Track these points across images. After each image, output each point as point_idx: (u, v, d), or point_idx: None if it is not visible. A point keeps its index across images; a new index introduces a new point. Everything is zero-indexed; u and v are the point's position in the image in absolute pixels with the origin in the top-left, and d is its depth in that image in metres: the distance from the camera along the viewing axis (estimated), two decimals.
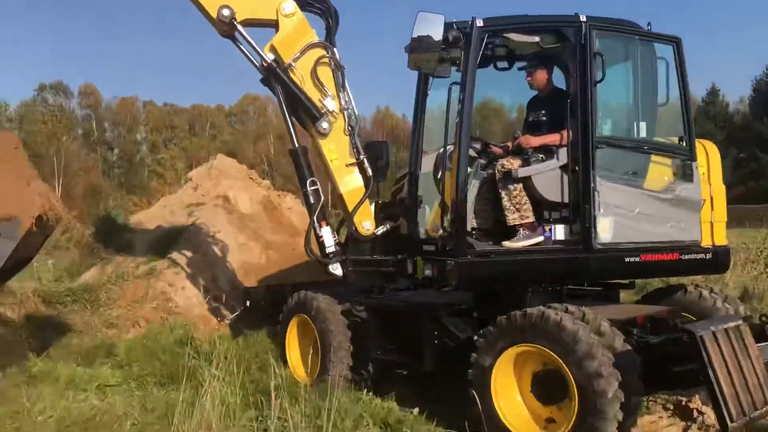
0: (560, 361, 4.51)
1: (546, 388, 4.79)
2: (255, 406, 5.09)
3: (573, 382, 4.44)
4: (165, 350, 7.09)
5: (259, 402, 5.03)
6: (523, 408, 4.89)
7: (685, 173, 5.39)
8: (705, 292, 5.80)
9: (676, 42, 5.47)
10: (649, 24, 5.49)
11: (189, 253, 10.16)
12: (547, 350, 4.58)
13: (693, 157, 5.45)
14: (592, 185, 5.09)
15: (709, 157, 5.70)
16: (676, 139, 5.57)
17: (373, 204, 6.22)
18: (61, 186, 40.34)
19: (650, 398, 5.97)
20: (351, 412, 5.06)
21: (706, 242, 5.59)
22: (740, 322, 4.33)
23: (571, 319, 4.55)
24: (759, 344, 4.84)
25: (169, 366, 6.54)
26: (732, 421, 3.84)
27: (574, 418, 4.44)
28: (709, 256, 5.61)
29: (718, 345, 4.02)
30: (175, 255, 10.13)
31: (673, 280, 7.16)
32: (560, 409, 4.71)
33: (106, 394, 5.98)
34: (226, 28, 5.93)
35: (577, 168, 5.17)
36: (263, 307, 7.84)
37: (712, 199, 5.63)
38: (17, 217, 5.21)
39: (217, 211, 11.30)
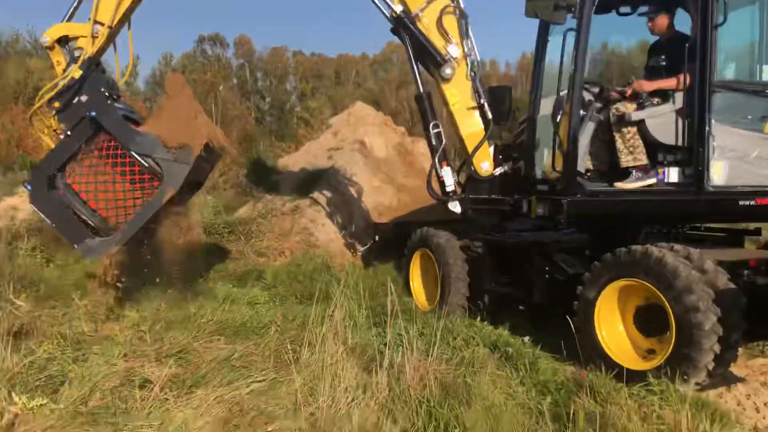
0: (661, 295, 4.74)
1: (648, 320, 5.03)
2: (377, 324, 5.77)
3: (671, 315, 4.66)
4: (305, 275, 8.02)
5: (381, 321, 5.69)
6: (625, 339, 5.18)
7: None
8: None
9: None
10: None
11: (328, 193, 11.10)
12: (649, 284, 4.82)
13: None
14: (707, 129, 5.14)
15: None
16: None
17: (493, 146, 6.58)
18: None
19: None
20: (462, 332, 5.62)
21: None
22: None
23: (672, 256, 4.75)
24: None
25: (308, 288, 7.42)
26: None
27: (671, 348, 4.68)
28: None
29: None
30: (316, 194, 11.13)
31: None
32: (660, 341, 4.95)
33: (255, 309, 6.95)
34: None
35: (693, 112, 5.22)
36: (391, 242, 8.52)
37: None
38: (189, 144, 6.13)
39: (354, 156, 12.12)
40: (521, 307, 6.92)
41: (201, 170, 6.66)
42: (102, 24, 6.47)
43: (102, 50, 6.59)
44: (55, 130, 6.57)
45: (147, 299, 6.76)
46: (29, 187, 6.48)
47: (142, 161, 6.23)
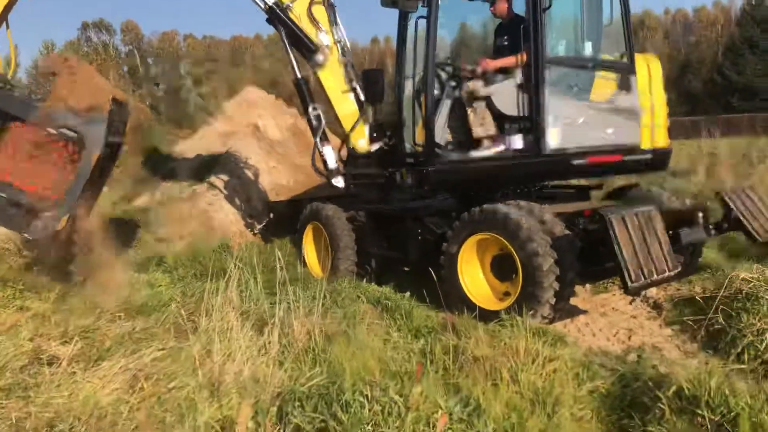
0: (508, 244, 5.58)
1: (502, 268, 5.88)
2: (273, 293, 6.33)
3: (518, 260, 5.52)
4: (204, 256, 8.44)
5: (278, 290, 6.25)
6: (485, 284, 6.03)
7: (625, 85, 6.21)
8: (653, 189, 6.72)
9: None
10: None
11: (225, 177, 11.45)
12: (499, 236, 5.66)
13: (632, 71, 6.26)
14: (543, 100, 5.99)
15: (650, 69, 6.48)
16: (619, 56, 6.36)
17: (368, 124, 7.22)
18: None
19: (610, 280, 7.02)
20: (348, 292, 6.29)
21: (646, 145, 6.45)
22: (651, 208, 5.28)
23: (516, 211, 5.60)
24: (688, 229, 5.86)
25: (206, 267, 7.85)
26: (632, 282, 4.88)
27: (519, 288, 5.55)
28: (649, 157, 6.48)
29: (625, 225, 5.02)
30: (213, 179, 11.45)
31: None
32: (513, 284, 5.81)
33: (156, 289, 7.33)
34: None
35: (530, 86, 6.06)
36: (287, 219, 9.07)
37: (653, 106, 6.45)
38: (97, 104, 6.18)
39: (249, 139, 12.50)
40: (405, 269, 7.70)
41: (117, 128, 6.66)
42: None
43: None
44: None
45: (48, 289, 7.05)
46: None
47: (53, 131, 6.19)
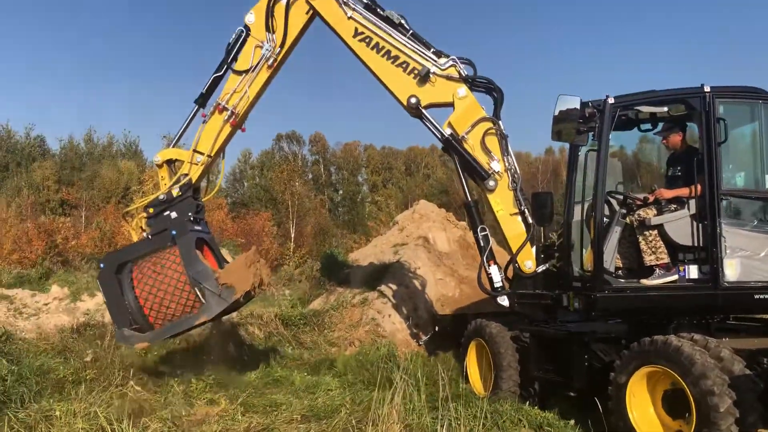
0: (680, 380, 5.36)
1: (674, 404, 5.61)
2: (434, 408, 6.52)
3: (691, 398, 5.26)
4: (372, 363, 8.85)
5: (440, 406, 6.44)
6: (656, 420, 5.75)
7: None
8: None
9: None
10: None
11: (394, 286, 12.04)
12: (670, 370, 5.46)
13: None
14: (719, 231, 5.86)
15: None
16: None
17: (535, 246, 7.41)
18: (294, 225, 45.64)
19: None
20: (510, 415, 6.31)
21: None
22: None
23: (689, 345, 5.40)
24: None
25: (374, 374, 8.24)
26: None
27: (693, 428, 5.26)
28: None
29: None
30: (383, 287, 12.08)
31: None
32: (686, 423, 5.51)
33: (328, 394, 7.81)
34: (414, 111, 7.62)
35: (705, 217, 5.97)
36: (450, 332, 9.31)
37: None
38: (234, 287, 7.23)
39: (418, 250, 13.09)
40: (571, 393, 7.52)
41: (236, 306, 7.78)
42: (202, 153, 7.82)
43: (201, 176, 7.92)
44: (142, 229, 7.76)
45: (233, 386, 7.81)
46: (102, 265, 7.59)
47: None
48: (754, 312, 6.52)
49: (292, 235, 43.62)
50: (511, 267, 7.51)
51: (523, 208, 7.32)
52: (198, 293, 7.21)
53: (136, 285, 7.30)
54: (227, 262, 8.04)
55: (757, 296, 5.91)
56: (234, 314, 10.27)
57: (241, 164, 67.58)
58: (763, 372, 5.48)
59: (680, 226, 6.16)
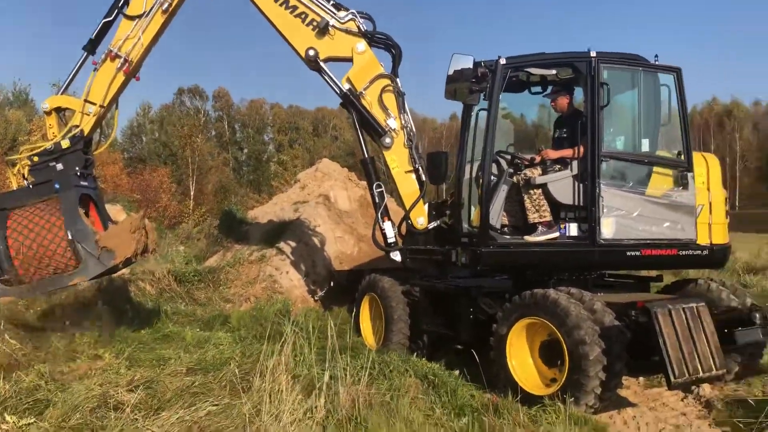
0: (556, 330, 5.68)
1: (550, 353, 5.96)
2: (325, 359, 6.59)
3: (565, 347, 5.60)
4: (266, 319, 8.82)
5: (328, 357, 6.52)
6: (533, 369, 6.10)
7: (682, 182, 6.34)
8: (713, 285, 6.68)
9: (676, 71, 6.44)
10: (656, 56, 6.48)
11: (293, 243, 11.98)
12: (547, 322, 5.77)
13: (690, 168, 6.38)
14: (597, 191, 6.18)
15: (709, 168, 6.59)
16: (676, 153, 6.50)
17: (427, 203, 7.55)
18: (195, 183, 44.39)
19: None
20: (397, 366, 6.47)
21: (703, 241, 6.48)
22: (699, 303, 5.31)
23: (566, 298, 5.72)
24: (744, 329, 5.82)
25: (267, 330, 8.22)
26: (675, 377, 4.89)
27: (565, 375, 5.60)
28: (705, 252, 6.49)
29: (671, 319, 5.07)
30: (281, 244, 11.99)
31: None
32: (560, 371, 5.86)
33: (219, 348, 7.72)
34: (312, 64, 7.50)
35: (586, 177, 6.27)
36: (345, 287, 9.40)
37: (711, 204, 6.51)
38: (115, 251, 6.90)
39: (319, 208, 13.04)
40: (458, 346, 7.81)
41: (113, 270, 7.43)
42: (94, 104, 7.34)
43: (93, 128, 7.44)
44: (24, 177, 7.20)
45: (120, 341, 7.58)
46: None
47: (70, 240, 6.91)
48: (626, 267, 6.96)
49: (192, 193, 42.41)
50: (404, 223, 7.64)
51: (417, 165, 7.41)
52: (75, 253, 6.83)
53: (9, 234, 6.83)
54: (114, 223, 7.64)
55: (629, 253, 6.32)
56: (125, 270, 9.90)
57: (140, 118, 64.70)
58: (631, 323, 5.90)
59: (563, 185, 6.45)
